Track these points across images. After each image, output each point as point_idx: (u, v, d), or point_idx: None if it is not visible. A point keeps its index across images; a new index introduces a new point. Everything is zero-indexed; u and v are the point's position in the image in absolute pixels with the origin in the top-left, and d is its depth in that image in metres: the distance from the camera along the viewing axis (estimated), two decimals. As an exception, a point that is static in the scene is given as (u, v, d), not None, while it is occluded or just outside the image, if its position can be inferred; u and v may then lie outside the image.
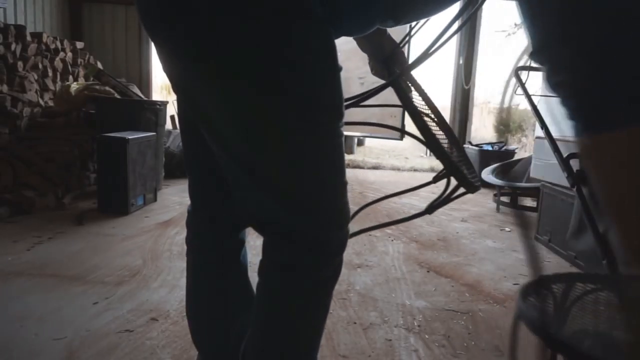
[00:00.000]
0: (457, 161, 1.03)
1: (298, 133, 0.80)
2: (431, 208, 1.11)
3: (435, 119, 1.16)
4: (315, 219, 0.85)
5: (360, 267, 2.38)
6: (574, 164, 1.24)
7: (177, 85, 0.87)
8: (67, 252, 2.38)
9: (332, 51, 0.82)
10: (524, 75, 1.72)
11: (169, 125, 5.38)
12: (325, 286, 0.92)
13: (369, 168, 6.19)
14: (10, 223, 2.83)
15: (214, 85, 0.79)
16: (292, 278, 0.88)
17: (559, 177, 2.74)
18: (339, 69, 0.84)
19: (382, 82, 1.11)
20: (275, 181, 0.84)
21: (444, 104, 6.79)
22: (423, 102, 1.19)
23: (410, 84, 1.19)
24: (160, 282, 2.06)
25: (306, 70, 0.78)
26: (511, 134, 10.57)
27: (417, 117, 0.95)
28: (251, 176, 0.84)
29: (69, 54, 4.62)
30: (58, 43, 4.44)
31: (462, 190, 1.02)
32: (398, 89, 1.01)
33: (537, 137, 3.37)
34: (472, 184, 0.99)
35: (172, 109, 6.10)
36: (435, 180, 1.12)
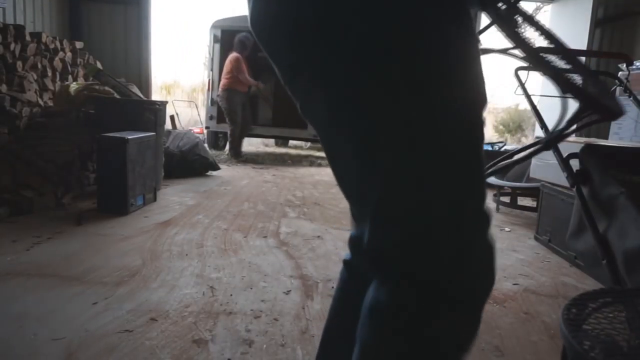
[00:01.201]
0: (588, 89, 0.86)
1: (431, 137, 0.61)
2: (554, 140, 0.93)
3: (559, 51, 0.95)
4: (435, 254, 0.62)
5: (360, 267, 2.37)
6: (574, 164, 1.24)
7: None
8: (66, 252, 2.37)
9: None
10: (523, 75, 1.72)
11: (168, 125, 5.37)
12: (437, 351, 0.64)
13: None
14: (10, 223, 2.82)
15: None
16: (389, 328, 0.64)
17: (559, 177, 2.74)
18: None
19: None
20: (383, 194, 0.63)
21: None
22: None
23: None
24: (160, 282, 2.05)
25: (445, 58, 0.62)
26: (511, 133, 10.56)
27: (531, 49, 0.79)
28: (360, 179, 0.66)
29: (68, 54, 4.62)
30: (57, 43, 4.43)
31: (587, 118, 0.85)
32: (504, 24, 0.84)
33: (537, 137, 3.37)
34: (611, 110, 0.78)
35: (171, 109, 6.09)
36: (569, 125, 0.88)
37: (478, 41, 0.67)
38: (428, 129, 0.61)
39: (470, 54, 0.65)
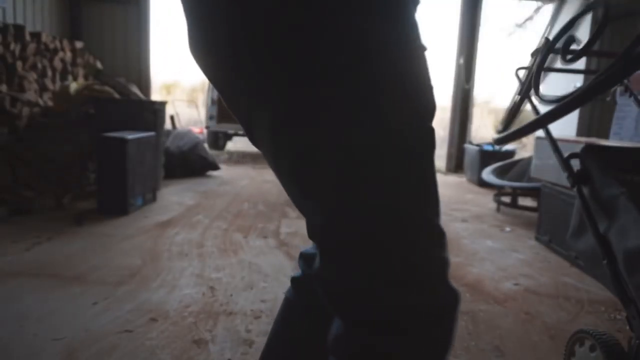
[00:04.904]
0: None
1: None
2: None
3: None
4: (382, 291, 0.56)
5: (360, 267, 2.37)
6: (574, 164, 1.24)
7: None
8: (66, 252, 2.37)
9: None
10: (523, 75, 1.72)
11: (168, 125, 5.38)
12: None
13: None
14: (10, 223, 2.82)
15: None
16: None
17: (559, 177, 2.74)
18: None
19: None
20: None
21: (444, 103, 6.81)
22: None
23: None
24: (160, 282, 2.05)
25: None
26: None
27: None
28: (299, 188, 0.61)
29: (68, 54, 4.61)
30: (57, 43, 4.43)
31: None
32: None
33: (537, 137, 3.37)
34: None
35: (171, 109, 6.09)
36: None
37: (420, 43, 0.60)
38: (362, 147, 0.54)
39: (411, 59, 0.58)
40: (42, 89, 4.11)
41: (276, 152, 0.60)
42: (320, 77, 0.54)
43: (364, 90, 0.53)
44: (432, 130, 0.59)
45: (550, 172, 2.93)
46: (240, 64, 0.58)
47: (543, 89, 1.09)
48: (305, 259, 0.85)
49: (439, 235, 0.58)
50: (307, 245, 0.84)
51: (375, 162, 0.54)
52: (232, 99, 0.65)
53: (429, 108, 0.59)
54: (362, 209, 0.55)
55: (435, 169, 0.59)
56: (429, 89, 0.59)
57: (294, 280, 0.88)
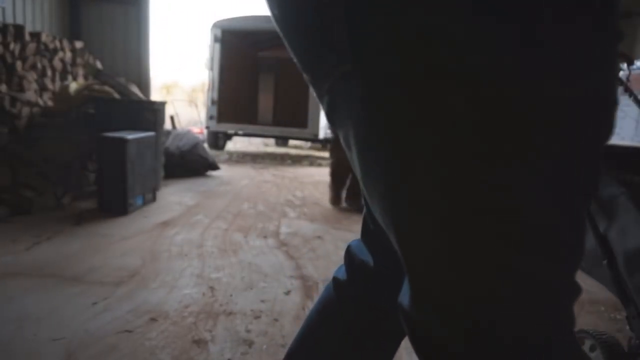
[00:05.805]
0: None
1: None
2: None
3: None
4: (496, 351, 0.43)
5: (360, 267, 2.37)
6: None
7: None
8: (65, 252, 2.37)
9: None
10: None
11: (168, 125, 5.38)
12: None
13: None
14: (9, 223, 2.82)
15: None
16: None
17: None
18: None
19: None
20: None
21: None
22: None
23: None
24: (159, 282, 2.05)
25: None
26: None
27: None
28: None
29: (68, 54, 4.61)
30: (57, 42, 4.43)
31: None
32: None
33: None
34: None
35: (171, 109, 6.09)
36: None
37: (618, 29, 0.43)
38: (501, 179, 0.40)
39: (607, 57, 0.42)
40: (42, 89, 4.11)
41: (366, 139, 0.47)
42: (463, 73, 0.39)
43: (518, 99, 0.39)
44: (598, 166, 0.43)
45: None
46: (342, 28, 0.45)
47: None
48: (352, 263, 0.76)
49: (573, 294, 0.45)
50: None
51: (509, 202, 0.40)
52: (311, 67, 0.53)
53: (605, 133, 0.43)
54: (487, 261, 0.42)
55: (587, 208, 0.46)
56: (614, 105, 0.43)
57: (336, 282, 0.78)
